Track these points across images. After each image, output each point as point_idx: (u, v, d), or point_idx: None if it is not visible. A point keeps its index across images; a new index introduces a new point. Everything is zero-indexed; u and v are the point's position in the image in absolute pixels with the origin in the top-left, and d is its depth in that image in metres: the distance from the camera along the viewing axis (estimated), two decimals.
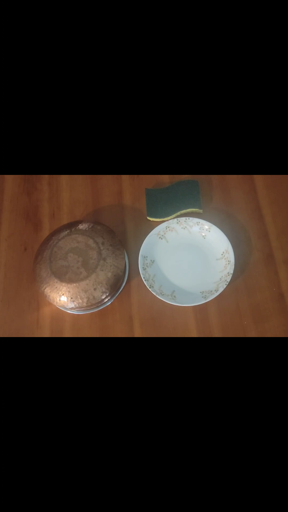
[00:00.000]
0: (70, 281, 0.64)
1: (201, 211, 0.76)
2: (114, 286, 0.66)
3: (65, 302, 0.64)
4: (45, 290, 0.65)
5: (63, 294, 0.64)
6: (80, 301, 0.64)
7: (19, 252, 0.77)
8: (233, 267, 0.68)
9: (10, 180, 0.83)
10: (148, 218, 0.76)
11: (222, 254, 0.71)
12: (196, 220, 0.73)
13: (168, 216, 0.75)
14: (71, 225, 0.69)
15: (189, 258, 0.73)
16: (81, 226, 0.68)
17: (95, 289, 0.64)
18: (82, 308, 0.66)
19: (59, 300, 0.64)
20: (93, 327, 0.70)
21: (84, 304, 0.64)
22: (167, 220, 0.75)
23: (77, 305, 0.64)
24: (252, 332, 0.67)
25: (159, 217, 0.76)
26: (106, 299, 0.67)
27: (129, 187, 0.81)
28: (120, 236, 0.77)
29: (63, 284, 0.64)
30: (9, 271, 0.75)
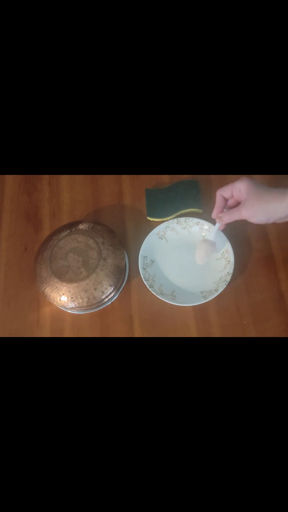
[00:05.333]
0: (70, 281, 0.64)
1: (201, 211, 0.76)
2: (114, 286, 0.66)
3: (66, 302, 0.64)
4: (46, 290, 0.65)
5: (63, 294, 0.64)
6: (80, 301, 0.64)
7: (20, 252, 0.77)
8: (232, 267, 0.68)
9: (10, 180, 0.84)
10: (148, 218, 0.76)
11: (222, 254, 0.72)
12: (196, 220, 0.73)
13: (168, 216, 0.75)
14: (71, 225, 0.69)
15: (189, 258, 0.73)
16: (81, 226, 0.68)
17: (95, 289, 0.64)
18: (82, 308, 0.66)
19: (60, 300, 0.64)
20: (93, 327, 0.70)
21: (84, 304, 0.64)
22: (167, 220, 0.75)
23: (77, 305, 0.64)
24: (252, 332, 0.67)
25: (159, 217, 0.76)
26: (106, 299, 0.67)
27: (129, 187, 0.81)
28: (120, 236, 0.76)
29: (64, 284, 0.64)
30: (10, 271, 0.75)
